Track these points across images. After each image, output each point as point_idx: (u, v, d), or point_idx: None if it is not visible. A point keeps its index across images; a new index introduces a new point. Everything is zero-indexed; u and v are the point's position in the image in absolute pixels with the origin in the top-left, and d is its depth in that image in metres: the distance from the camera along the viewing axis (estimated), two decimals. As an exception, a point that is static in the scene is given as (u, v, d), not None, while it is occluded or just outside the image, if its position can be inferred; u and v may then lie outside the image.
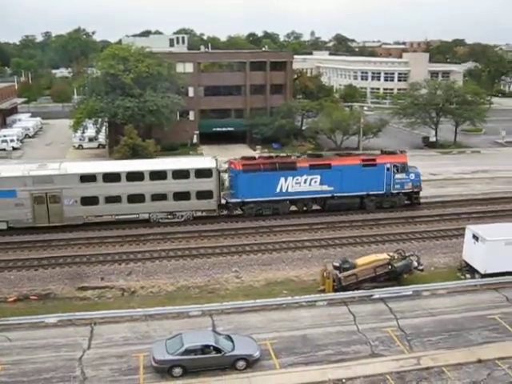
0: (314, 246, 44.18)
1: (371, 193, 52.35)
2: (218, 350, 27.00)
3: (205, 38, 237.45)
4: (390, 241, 45.25)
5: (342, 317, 32.79)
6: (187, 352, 26.74)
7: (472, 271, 38.61)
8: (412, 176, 53.46)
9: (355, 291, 35.25)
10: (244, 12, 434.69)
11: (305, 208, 52.02)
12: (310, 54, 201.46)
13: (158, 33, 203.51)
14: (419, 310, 33.65)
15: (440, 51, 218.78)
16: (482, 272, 37.55)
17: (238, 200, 50.10)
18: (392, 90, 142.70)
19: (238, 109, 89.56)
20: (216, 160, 50.84)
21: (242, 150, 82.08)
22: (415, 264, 37.17)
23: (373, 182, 51.84)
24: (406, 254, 37.66)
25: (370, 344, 29.78)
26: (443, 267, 40.60)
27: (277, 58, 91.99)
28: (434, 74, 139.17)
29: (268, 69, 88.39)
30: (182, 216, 49.27)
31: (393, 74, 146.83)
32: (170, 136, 79.62)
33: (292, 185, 50.35)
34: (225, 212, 51.02)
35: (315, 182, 50.72)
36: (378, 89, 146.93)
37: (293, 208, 51.92)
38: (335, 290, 35.39)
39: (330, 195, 51.35)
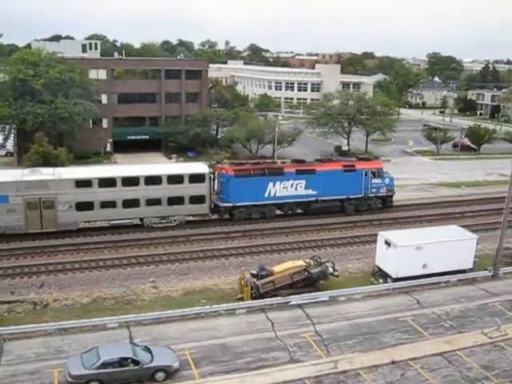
0: (231, 255, 44.28)
1: (351, 196, 55.05)
2: (136, 362, 26.43)
3: (118, 44, 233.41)
4: (306, 248, 46.06)
5: (260, 324, 32.95)
6: (104, 365, 26.00)
7: (384, 276, 39.88)
8: (387, 181, 56.79)
9: (273, 298, 35.56)
10: (158, 19, 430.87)
11: (290, 212, 53.76)
12: (225, 63, 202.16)
13: (68, 38, 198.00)
14: (335, 315, 34.35)
15: (351, 63, 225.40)
16: (394, 276, 38.87)
17: (230, 204, 51.22)
18: (305, 100, 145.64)
19: (153, 117, 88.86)
20: (208, 166, 52.88)
21: (157, 159, 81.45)
22: (330, 270, 38.01)
23: (352, 187, 54.72)
24: (322, 261, 38.42)
25: (288, 350, 30.08)
26: (357, 272, 41.69)
27: (192, 67, 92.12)
28: (345, 85, 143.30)
29: (183, 77, 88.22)
30: (175, 220, 49.90)
31: (306, 84, 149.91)
32: (82, 144, 77.48)
33: (280, 189, 52.26)
34: (215, 216, 51.96)
35: (301, 186, 52.86)
36: (292, 99, 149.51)
37: (278, 212, 53.68)
38: (253, 298, 35.53)
39: (314, 199, 53.63)
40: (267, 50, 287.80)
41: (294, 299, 35.73)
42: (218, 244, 46.47)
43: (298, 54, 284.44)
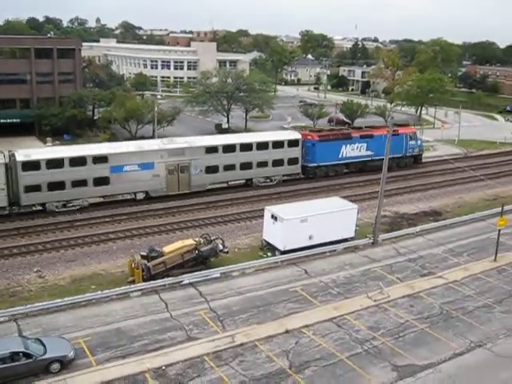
0: (119, 238, 43.47)
1: (395, 156, 64.66)
2: (28, 356, 25.29)
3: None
4: (194, 226, 46.23)
5: (154, 305, 32.73)
6: (-6, 362, 24.73)
7: (273, 249, 41.00)
8: (418, 142, 69.36)
9: (165, 279, 35.44)
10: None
11: (354, 169, 64.19)
12: (97, 41, 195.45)
13: None
14: (228, 291, 34.87)
15: (226, 41, 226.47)
16: (282, 249, 40.06)
17: (315, 164, 61.09)
18: (182, 78, 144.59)
19: (24, 99, 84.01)
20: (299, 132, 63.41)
21: (30, 143, 77.46)
22: (220, 247, 38.40)
23: (397, 148, 63.76)
24: (211, 238, 38.71)
25: (184, 329, 30.19)
26: (246, 248, 42.52)
27: (64, 45, 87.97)
28: (222, 62, 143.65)
29: (55, 56, 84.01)
30: (276, 179, 58.92)
31: (182, 62, 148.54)
32: None
33: (349, 151, 62.96)
34: (302, 176, 61.61)
35: (363, 148, 63.70)
36: (169, 77, 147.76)
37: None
38: (145, 280, 35.18)
39: (370, 159, 63.78)
40: (140, 28, 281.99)
41: (186, 278, 35.82)
42: (104, 228, 45.40)
43: (172, 32, 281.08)
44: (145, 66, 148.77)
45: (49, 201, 47.70)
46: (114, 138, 79.07)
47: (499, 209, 42.43)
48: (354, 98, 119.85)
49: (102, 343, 28.42)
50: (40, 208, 48.10)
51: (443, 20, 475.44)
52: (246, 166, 56.40)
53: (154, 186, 51.57)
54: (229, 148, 55.56)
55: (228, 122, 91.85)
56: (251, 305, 33.05)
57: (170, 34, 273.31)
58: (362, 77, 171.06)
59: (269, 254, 40.94)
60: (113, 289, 33.90)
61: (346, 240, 42.58)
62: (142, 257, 36.50)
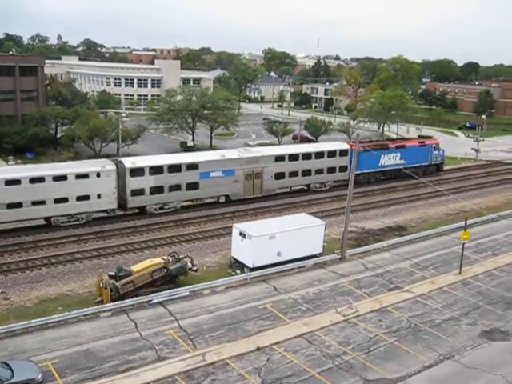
0: (85, 258, 42.81)
1: (422, 164, 73.31)
2: (-5, 380, 24.81)
3: None
4: (162, 245, 45.89)
5: (123, 326, 32.32)
6: (-41, 388, 24.10)
7: (241, 266, 40.99)
8: (441, 152, 76.72)
9: (134, 298, 35.09)
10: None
11: (388, 176, 70.49)
12: (59, 58, 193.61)
13: None
14: (198, 309, 34.69)
15: (189, 59, 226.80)
16: (251, 266, 40.09)
17: (360, 172, 64.39)
18: (146, 96, 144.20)
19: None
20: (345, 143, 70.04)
21: (-8, 162, 76.02)
22: (189, 265, 38.28)
23: (423, 157, 73.71)
24: (180, 257, 38.57)
25: (154, 348, 29.88)
26: (214, 265, 42.39)
27: (27, 63, 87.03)
28: (186, 80, 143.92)
29: (17, 73, 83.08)
30: (328, 185, 64.86)
31: (146, 80, 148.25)
32: None
33: (386, 160, 69.43)
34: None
35: (397, 157, 70.29)
36: (132, 95, 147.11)
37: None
38: (113, 300, 34.79)
39: (402, 167, 67.85)
40: (102, 45, 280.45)
41: (155, 297, 35.52)
42: (70, 248, 44.69)
43: (135, 50, 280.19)
44: (108, 83, 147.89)
45: (150, 204, 53.06)
46: (77, 156, 78.23)
47: (462, 223, 43.37)
48: (317, 115, 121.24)
49: (70, 365, 27.89)
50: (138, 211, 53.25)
51: (403, 38, 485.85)
52: (306, 172, 62.86)
53: (234, 190, 57.57)
54: (293, 157, 62.03)
55: (193, 139, 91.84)
56: (221, 323, 32.94)
57: (133, 52, 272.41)
58: (325, 94, 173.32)
59: (238, 271, 40.91)
60: (81, 309, 33.40)
61: (314, 256, 42.87)
62: (110, 276, 36.04)
